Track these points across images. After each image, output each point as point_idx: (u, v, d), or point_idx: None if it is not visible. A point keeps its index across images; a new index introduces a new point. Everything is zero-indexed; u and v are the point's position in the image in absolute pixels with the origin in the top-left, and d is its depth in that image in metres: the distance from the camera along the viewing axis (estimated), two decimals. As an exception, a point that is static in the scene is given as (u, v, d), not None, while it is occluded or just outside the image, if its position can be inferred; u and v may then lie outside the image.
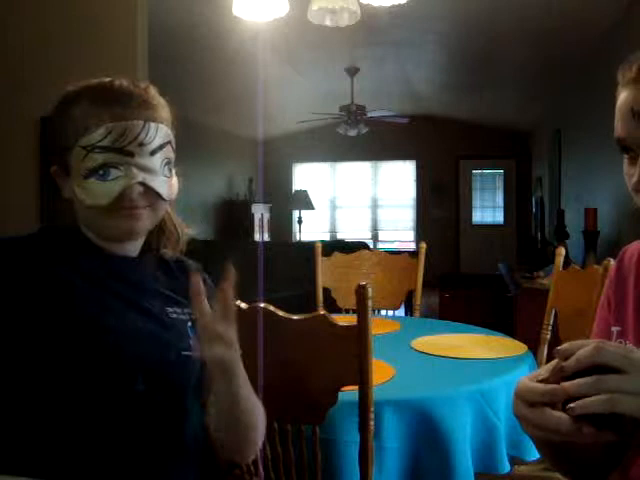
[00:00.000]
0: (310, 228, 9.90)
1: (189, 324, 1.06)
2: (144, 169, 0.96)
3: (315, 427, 1.26)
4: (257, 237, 8.95)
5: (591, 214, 4.05)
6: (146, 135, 0.95)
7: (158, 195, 0.99)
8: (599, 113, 4.99)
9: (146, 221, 0.99)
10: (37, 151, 3.47)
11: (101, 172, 0.94)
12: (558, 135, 6.63)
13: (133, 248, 1.05)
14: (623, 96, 0.84)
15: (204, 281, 1.11)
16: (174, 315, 1.04)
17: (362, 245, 4.93)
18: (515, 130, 9.48)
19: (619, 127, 0.84)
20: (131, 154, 0.94)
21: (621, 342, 0.91)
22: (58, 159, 0.99)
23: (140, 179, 0.95)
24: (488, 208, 10.19)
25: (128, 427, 0.95)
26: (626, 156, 0.85)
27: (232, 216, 8.97)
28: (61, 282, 0.94)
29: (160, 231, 1.10)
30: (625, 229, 4.03)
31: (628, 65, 0.84)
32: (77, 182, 0.95)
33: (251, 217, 9.09)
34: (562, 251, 2.20)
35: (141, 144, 0.95)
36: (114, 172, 0.94)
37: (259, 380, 1.02)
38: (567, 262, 2.34)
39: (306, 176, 10.63)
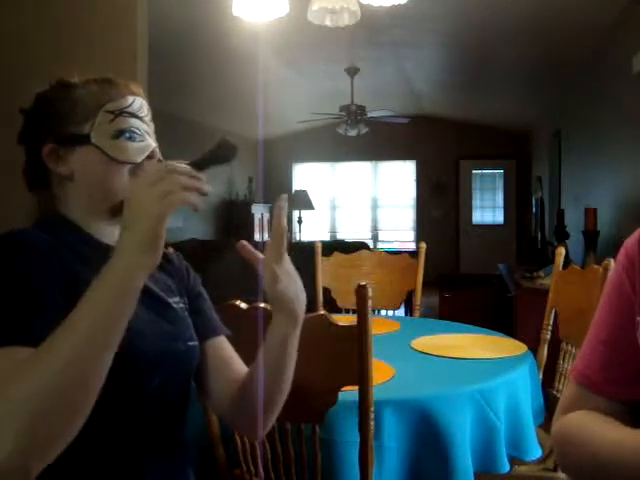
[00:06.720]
0: (310, 228, 9.90)
1: (186, 313, 1.07)
2: (153, 141, 1.04)
3: (315, 427, 1.26)
4: (257, 237, 8.95)
5: (591, 214, 4.05)
6: (149, 113, 1.05)
7: None
8: (599, 113, 4.99)
9: None
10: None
11: (127, 135, 0.99)
12: (558, 135, 6.63)
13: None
14: None
15: (186, 269, 1.14)
16: (175, 305, 1.04)
17: (362, 245, 4.94)
18: (515, 130, 9.48)
19: None
20: (147, 124, 1.03)
21: None
22: (58, 135, 0.98)
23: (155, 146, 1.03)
24: (488, 208, 10.19)
25: (137, 422, 0.94)
26: None
27: (232, 216, 8.97)
28: (69, 273, 0.88)
29: None
30: (625, 229, 4.03)
31: None
32: (106, 143, 0.97)
33: (251, 217, 9.09)
34: (562, 251, 2.20)
35: (150, 120, 1.05)
36: (137, 137, 1.00)
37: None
38: (567, 262, 2.34)
39: (306, 176, 10.64)
